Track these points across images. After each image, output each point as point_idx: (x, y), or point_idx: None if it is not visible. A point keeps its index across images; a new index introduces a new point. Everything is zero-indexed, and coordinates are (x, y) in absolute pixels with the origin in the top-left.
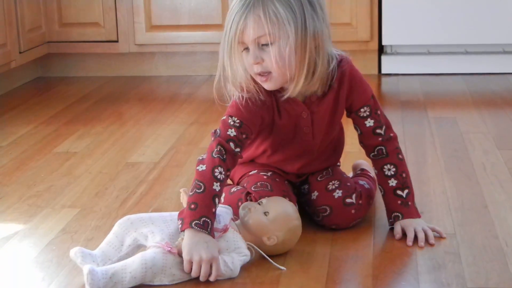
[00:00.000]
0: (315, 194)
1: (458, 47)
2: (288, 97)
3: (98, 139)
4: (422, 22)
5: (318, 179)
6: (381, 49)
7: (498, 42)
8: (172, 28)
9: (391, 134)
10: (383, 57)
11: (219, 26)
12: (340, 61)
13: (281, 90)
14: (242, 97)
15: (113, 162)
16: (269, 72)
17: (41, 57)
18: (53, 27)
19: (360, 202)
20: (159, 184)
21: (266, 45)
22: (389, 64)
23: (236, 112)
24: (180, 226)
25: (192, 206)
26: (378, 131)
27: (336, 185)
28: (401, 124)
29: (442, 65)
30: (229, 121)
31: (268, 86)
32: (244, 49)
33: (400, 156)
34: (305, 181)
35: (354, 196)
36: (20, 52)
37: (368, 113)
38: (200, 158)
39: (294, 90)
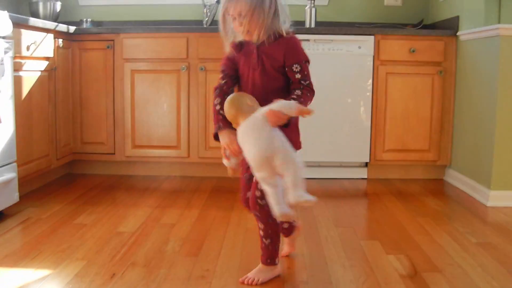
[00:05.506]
0: None
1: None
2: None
3: (100, 216)
4: None
5: None
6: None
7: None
8: (147, 147)
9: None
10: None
11: (175, 147)
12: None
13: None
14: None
15: (108, 231)
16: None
17: (69, 162)
18: (77, 144)
19: None
20: (135, 246)
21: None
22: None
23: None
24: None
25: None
26: (302, 82)
27: None
28: None
29: None
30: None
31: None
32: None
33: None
34: None
35: None
36: (56, 159)
37: (298, 70)
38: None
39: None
